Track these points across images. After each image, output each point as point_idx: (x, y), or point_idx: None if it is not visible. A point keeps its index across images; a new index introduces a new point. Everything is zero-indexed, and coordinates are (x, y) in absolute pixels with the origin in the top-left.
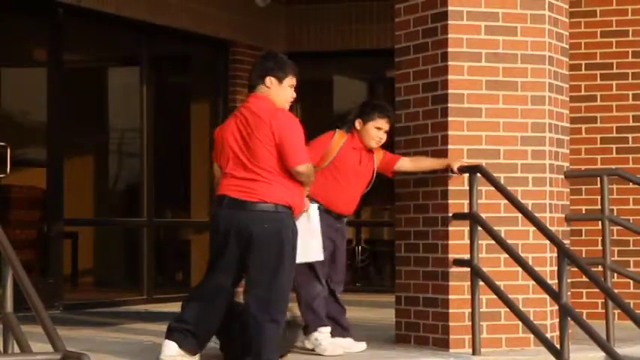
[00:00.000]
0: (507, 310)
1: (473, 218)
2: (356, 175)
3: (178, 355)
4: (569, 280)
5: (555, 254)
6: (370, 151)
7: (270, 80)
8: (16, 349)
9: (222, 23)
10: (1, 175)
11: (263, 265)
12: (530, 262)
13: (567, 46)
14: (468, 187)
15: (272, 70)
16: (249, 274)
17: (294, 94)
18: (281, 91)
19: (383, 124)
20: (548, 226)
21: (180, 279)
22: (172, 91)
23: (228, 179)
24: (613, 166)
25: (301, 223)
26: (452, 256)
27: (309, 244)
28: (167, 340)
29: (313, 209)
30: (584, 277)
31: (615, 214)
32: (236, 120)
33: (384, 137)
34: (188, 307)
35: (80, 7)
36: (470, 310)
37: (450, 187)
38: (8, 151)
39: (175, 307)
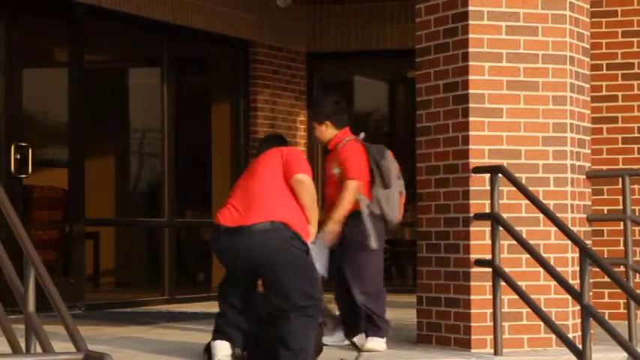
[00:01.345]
0: (529, 310)
1: (494, 218)
2: None
3: (230, 353)
4: (591, 281)
5: (577, 254)
6: None
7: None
8: (39, 349)
9: (243, 23)
10: (23, 176)
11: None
12: (552, 263)
13: (588, 46)
14: (489, 188)
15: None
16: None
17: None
18: None
19: None
20: (569, 226)
21: (202, 279)
22: (193, 92)
23: None
24: (635, 167)
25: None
26: (473, 256)
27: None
28: (218, 341)
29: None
30: (606, 277)
31: (637, 214)
32: None
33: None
34: (225, 301)
35: (101, 8)
36: (491, 310)
37: (471, 188)
38: (30, 151)
39: (196, 308)
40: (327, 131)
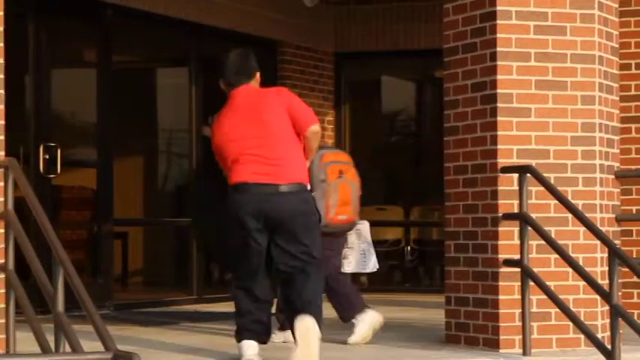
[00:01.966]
0: (558, 310)
1: (523, 218)
2: None
3: (257, 351)
4: (620, 281)
5: (606, 254)
6: None
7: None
8: (68, 349)
9: (271, 23)
10: (52, 176)
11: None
12: (581, 263)
13: (617, 46)
14: (517, 188)
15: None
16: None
17: None
18: None
19: None
20: (598, 226)
21: (230, 279)
22: (221, 91)
23: None
24: None
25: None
26: (502, 256)
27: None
28: (245, 341)
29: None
30: (634, 277)
31: None
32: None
33: None
34: (246, 297)
35: (129, 8)
36: (520, 310)
37: (499, 188)
38: (59, 151)
39: (224, 307)
40: None
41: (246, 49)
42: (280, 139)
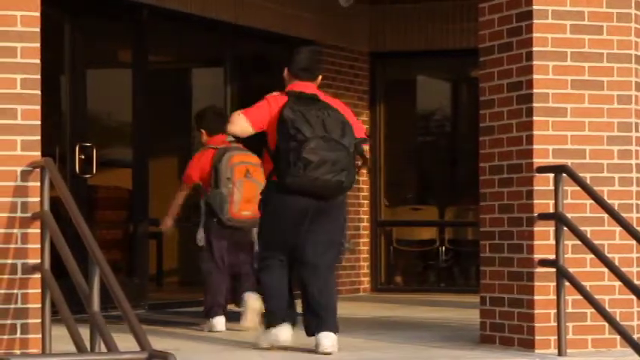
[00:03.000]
0: (593, 310)
1: (558, 218)
2: None
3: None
4: None
5: None
6: None
7: None
8: (103, 349)
9: (306, 23)
10: (88, 176)
11: None
12: (617, 263)
13: None
14: (553, 188)
15: None
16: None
17: None
18: None
19: None
20: (634, 226)
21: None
22: (256, 92)
23: None
24: None
25: None
26: (537, 256)
27: None
28: (281, 326)
29: None
30: None
31: None
32: None
33: None
34: (278, 284)
35: (164, 8)
36: (555, 310)
37: (535, 188)
38: (94, 151)
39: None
40: (203, 137)
41: (319, 49)
42: None
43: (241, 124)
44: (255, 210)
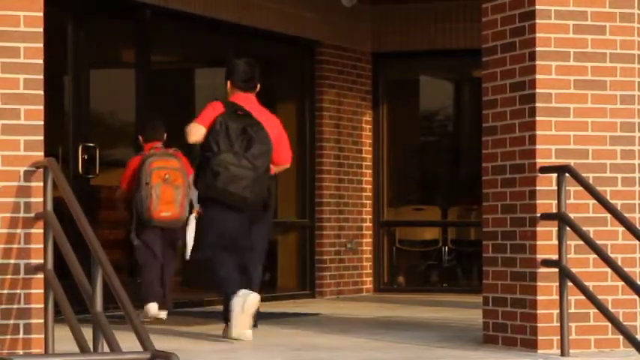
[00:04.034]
0: (596, 311)
1: (561, 219)
2: None
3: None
4: None
5: None
6: None
7: None
8: (106, 348)
9: (308, 24)
10: (91, 176)
11: None
12: (620, 263)
13: None
14: (556, 188)
15: None
16: None
17: None
18: None
19: None
20: (637, 226)
21: (267, 279)
22: (259, 92)
23: None
24: None
25: None
26: (540, 256)
27: None
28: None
29: None
30: None
31: None
32: None
33: None
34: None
35: (167, 9)
36: (558, 310)
37: (537, 188)
38: (97, 151)
39: (262, 307)
40: (143, 144)
41: (254, 61)
42: None
43: (198, 131)
44: (175, 211)
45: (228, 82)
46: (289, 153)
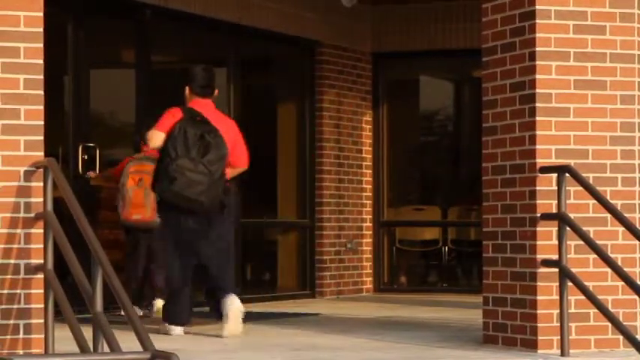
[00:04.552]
0: (596, 311)
1: (561, 219)
2: None
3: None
4: None
5: None
6: None
7: None
8: (106, 348)
9: (309, 24)
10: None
11: None
12: (620, 263)
13: None
14: (556, 188)
15: None
16: None
17: None
18: None
19: None
20: (637, 226)
21: (267, 279)
22: (259, 92)
23: None
24: None
25: None
26: (540, 256)
27: None
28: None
29: None
30: None
31: None
32: None
33: None
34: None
35: (167, 9)
36: (558, 310)
37: (538, 188)
38: (97, 151)
39: (262, 307)
40: (142, 145)
41: (212, 67)
42: None
43: (158, 137)
44: (146, 214)
45: (187, 88)
46: (245, 155)
